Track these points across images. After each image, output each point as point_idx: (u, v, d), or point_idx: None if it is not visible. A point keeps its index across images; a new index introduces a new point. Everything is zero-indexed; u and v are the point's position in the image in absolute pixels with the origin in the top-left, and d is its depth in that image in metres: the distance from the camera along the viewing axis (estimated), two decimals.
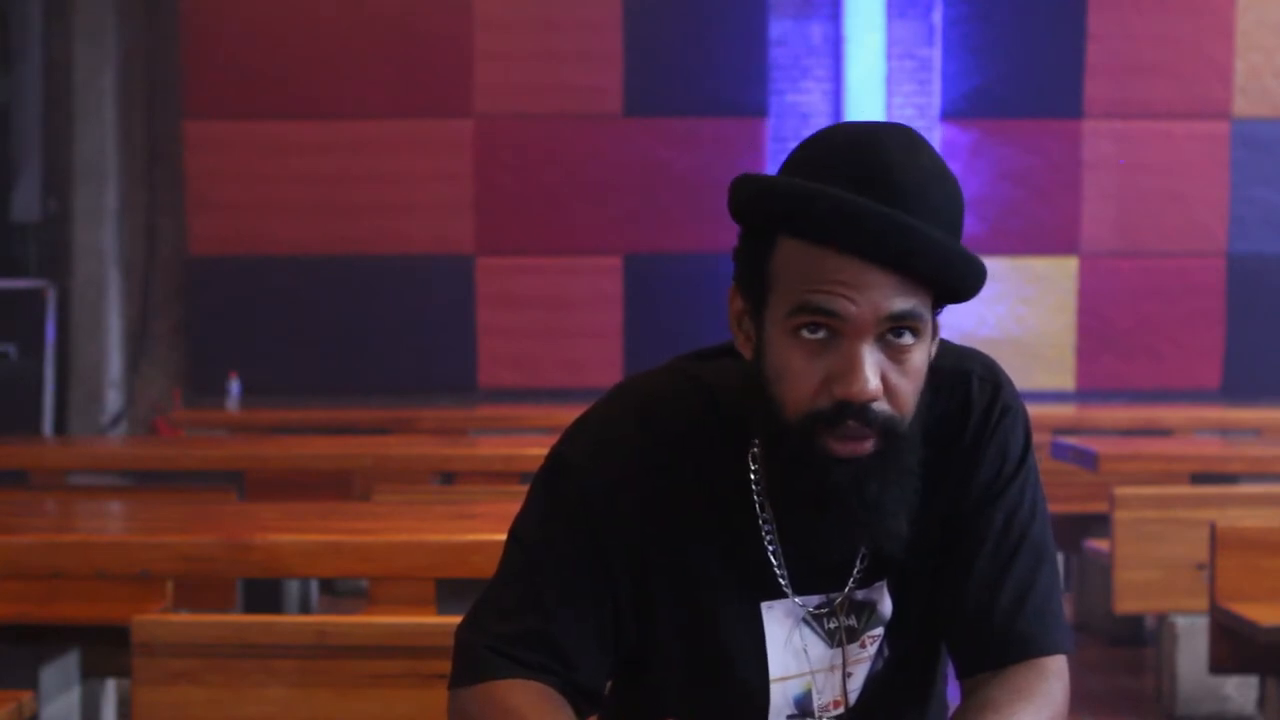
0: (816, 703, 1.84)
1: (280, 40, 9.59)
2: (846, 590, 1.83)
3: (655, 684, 1.85)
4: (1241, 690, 5.68)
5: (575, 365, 9.66)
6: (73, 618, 4.32)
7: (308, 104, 9.60)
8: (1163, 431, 7.95)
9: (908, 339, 1.68)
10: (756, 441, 1.78)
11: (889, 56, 9.77)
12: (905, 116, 9.57)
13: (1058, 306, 9.77)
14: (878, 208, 1.64)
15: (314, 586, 6.87)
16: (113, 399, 9.53)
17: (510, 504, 2.09)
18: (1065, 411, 8.60)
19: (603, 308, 9.69)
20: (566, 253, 9.71)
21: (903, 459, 1.70)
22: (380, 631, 2.74)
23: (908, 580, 1.85)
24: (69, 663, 4.30)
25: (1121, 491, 5.72)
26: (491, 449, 5.91)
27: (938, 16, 9.73)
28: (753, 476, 1.80)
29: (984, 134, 9.69)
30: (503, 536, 1.85)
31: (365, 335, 9.68)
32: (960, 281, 1.69)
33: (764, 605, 1.82)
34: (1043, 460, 6.19)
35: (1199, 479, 5.99)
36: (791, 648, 1.82)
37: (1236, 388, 9.75)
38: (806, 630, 1.83)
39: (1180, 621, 5.68)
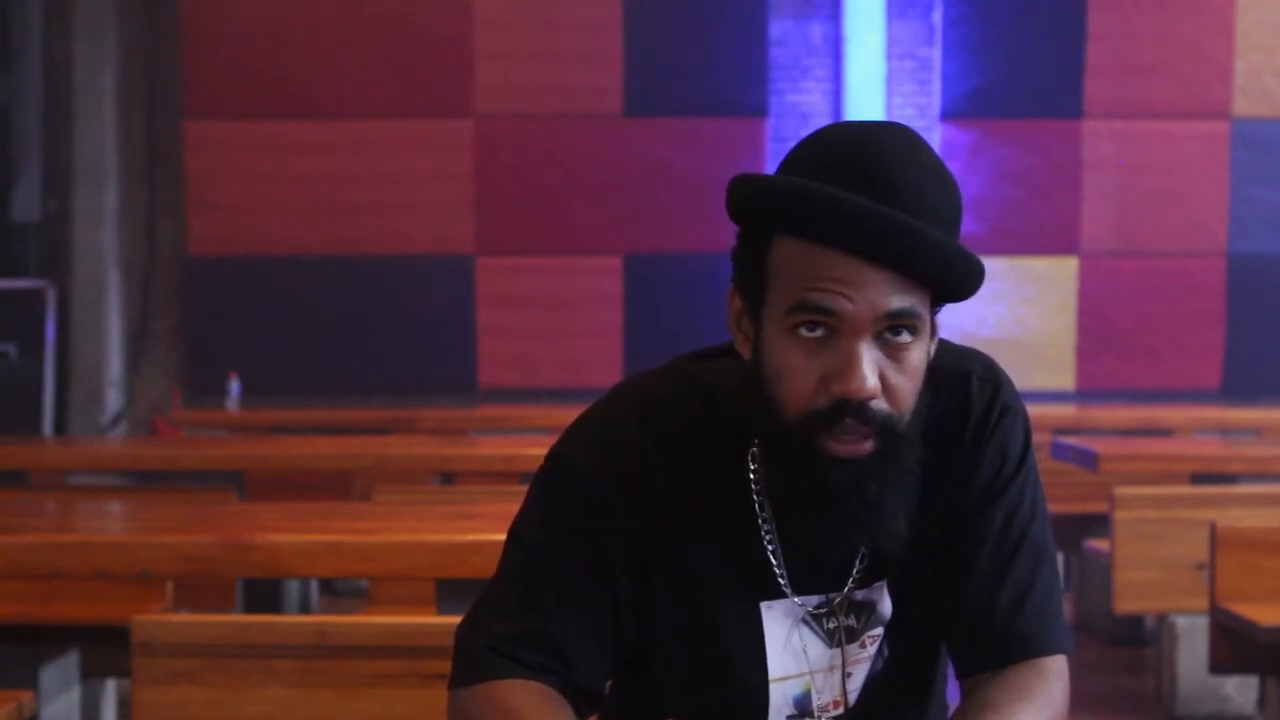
0: (816, 703, 1.84)
1: (280, 40, 9.59)
2: (846, 590, 1.83)
3: (655, 684, 1.85)
4: (1241, 690, 5.68)
5: (575, 365, 9.66)
6: (73, 618, 4.32)
7: (308, 104, 9.60)
8: (1163, 431, 7.95)
9: (906, 337, 1.68)
10: (756, 441, 1.78)
11: (889, 56, 9.78)
12: (905, 116, 9.57)
13: (1058, 306, 9.77)
14: (877, 207, 1.64)
15: (314, 586, 6.87)
16: (113, 399, 9.53)
17: (510, 504, 2.09)
18: (1065, 411, 8.60)
19: (603, 308, 9.69)
20: (566, 253, 9.71)
21: (902, 459, 1.70)
22: (380, 631, 2.74)
23: (907, 580, 1.85)
24: (69, 663, 4.30)
25: (1121, 491, 5.72)
26: (491, 449, 5.91)
27: (938, 16, 9.73)
28: (752, 476, 1.80)
29: (984, 134, 9.69)
30: (503, 536, 1.85)
31: (365, 335, 9.68)
32: (959, 281, 1.69)
33: (763, 605, 1.82)
34: (1043, 460, 6.19)
35: (1199, 479, 5.99)
36: (791, 648, 1.82)
37: (1236, 388, 9.75)
38: (806, 630, 1.83)
39: (1180, 621, 5.68)
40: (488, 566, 1.89)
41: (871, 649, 1.85)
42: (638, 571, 1.80)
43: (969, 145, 9.66)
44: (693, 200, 9.55)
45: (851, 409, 1.66)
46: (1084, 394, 9.72)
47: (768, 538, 1.81)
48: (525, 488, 1.87)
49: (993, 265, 9.42)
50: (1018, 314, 9.73)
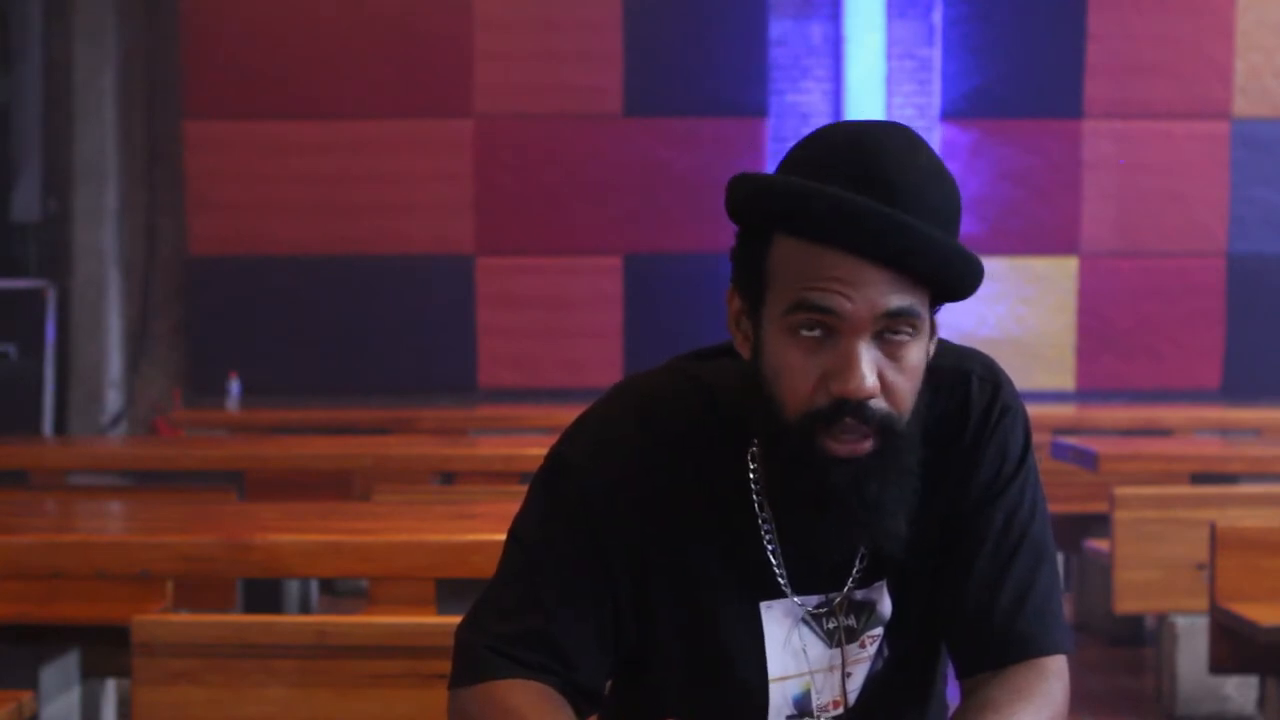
0: (815, 703, 1.84)
1: (280, 40, 9.59)
2: (846, 590, 1.83)
3: (655, 684, 1.85)
4: (1241, 690, 5.68)
5: (575, 365, 9.66)
6: (73, 618, 4.32)
7: (308, 104, 9.60)
8: (1163, 431, 7.95)
9: (905, 337, 1.68)
10: (756, 441, 1.78)
11: (889, 56, 9.78)
12: (905, 116, 9.58)
13: (1058, 306, 9.77)
14: (876, 207, 1.64)
15: (314, 586, 6.87)
16: (113, 399, 9.53)
17: (510, 504, 2.09)
18: (1065, 411, 8.60)
19: (603, 308, 9.69)
20: (566, 253, 9.71)
21: (901, 458, 1.70)
22: (380, 631, 2.74)
23: (907, 580, 1.85)
24: (69, 663, 4.30)
25: (1121, 491, 5.72)
26: (491, 449, 5.91)
27: (938, 16, 9.73)
28: (752, 476, 1.80)
29: (984, 134, 9.69)
30: (503, 536, 1.85)
31: (365, 335, 9.68)
32: (958, 280, 1.69)
33: (763, 605, 1.82)
34: (1043, 460, 6.19)
35: (1199, 479, 6.00)
36: (790, 648, 1.82)
37: (1236, 388, 9.75)
38: (805, 630, 1.83)
39: (1180, 621, 5.68)
40: (488, 566, 1.89)
41: (871, 649, 1.85)
42: (638, 571, 1.80)
43: (969, 145, 9.66)
44: (693, 200, 9.55)
45: (851, 408, 1.66)
46: (1084, 394, 9.72)
47: (767, 538, 1.81)
48: (525, 488, 1.87)
49: (993, 265, 9.42)
50: (1018, 314, 9.74)
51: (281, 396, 9.30)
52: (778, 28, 9.77)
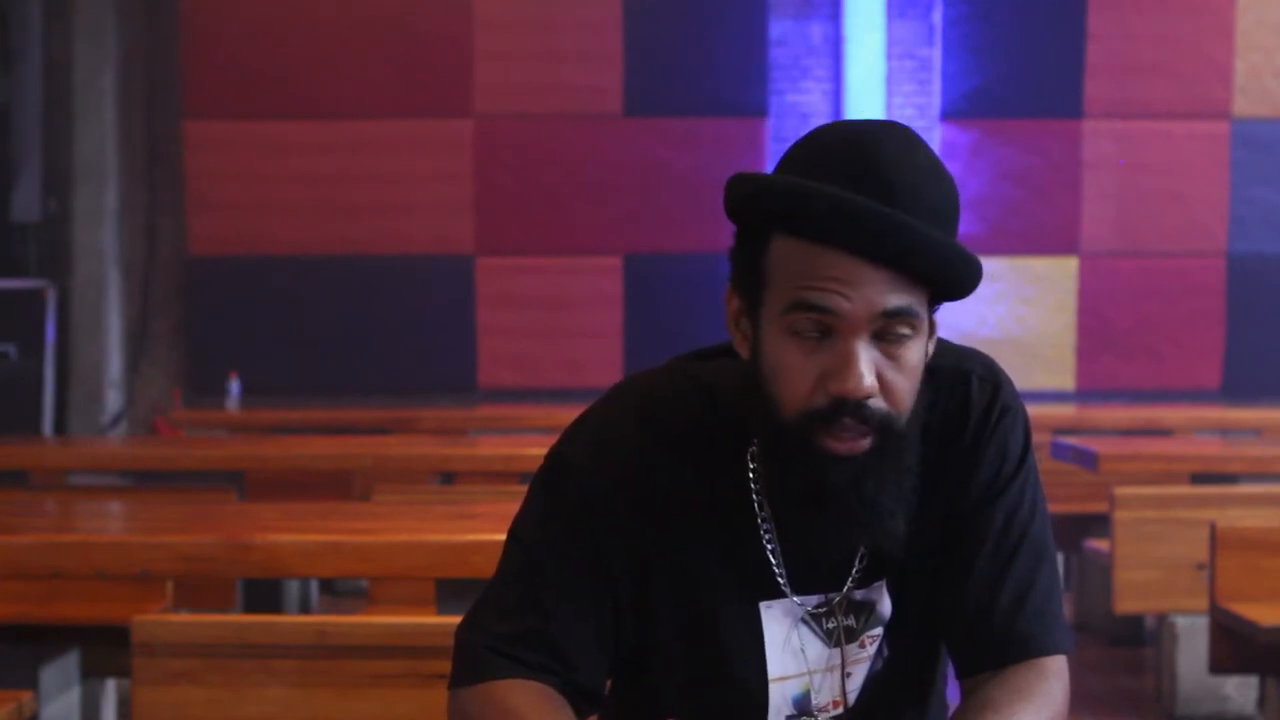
0: (815, 703, 1.84)
1: (280, 40, 9.59)
2: (845, 590, 1.83)
3: (655, 684, 1.85)
4: (1241, 690, 5.68)
5: (575, 365, 9.66)
6: (73, 618, 4.32)
7: (308, 104, 9.60)
8: (1163, 431, 7.95)
9: (903, 336, 1.68)
10: (756, 441, 1.78)
11: (889, 56, 9.78)
12: (905, 116, 9.57)
13: (1058, 306, 9.77)
14: (876, 206, 1.64)
15: (314, 586, 6.87)
16: (113, 399, 9.53)
17: (510, 504, 2.09)
18: (1065, 411, 8.60)
19: (603, 308, 9.69)
20: (566, 253, 9.71)
21: (900, 457, 1.70)
22: (380, 631, 2.74)
23: (907, 580, 1.85)
24: (69, 663, 4.30)
25: (1121, 491, 5.72)
26: (491, 449, 5.91)
27: (938, 16, 9.73)
28: (752, 476, 1.80)
29: (984, 134, 9.69)
30: (503, 536, 1.85)
31: (365, 335, 9.68)
32: (957, 280, 1.69)
33: (763, 605, 1.82)
34: (1043, 460, 6.19)
35: (1199, 479, 5.99)
36: (790, 648, 1.82)
37: (1236, 388, 9.75)
38: (805, 630, 1.83)
39: (1180, 621, 5.68)
40: (488, 566, 1.89)
41: (871, 649, 1.85)
42: (638, 571, 1.80)
43: (969, 145, 9.66)
44: (693, 200, 9.55)
45: (849, 408, 1.66)
46: (1084, 394, 9.72)
47: (767, 537, 1.81)
48: (525, 488, 1.87)
49: (993, 265, 9.43)
50: (1018, 314, 9.74)
51: (281, 396, 9.30)
52: (778, 28, 9.78)
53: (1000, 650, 1.81)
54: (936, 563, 1.84)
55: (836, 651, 1.84)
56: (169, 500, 4.62)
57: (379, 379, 9.64)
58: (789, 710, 1.83)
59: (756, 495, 1.80)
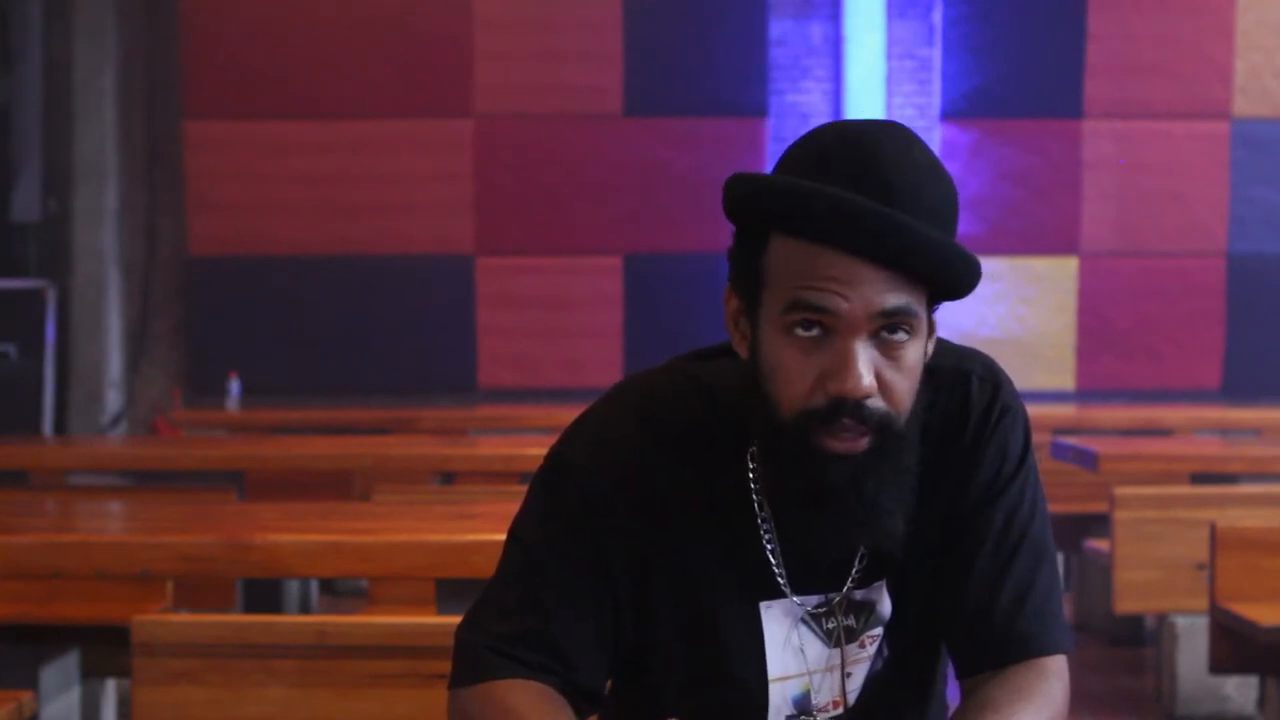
0: (815, 703, 1.84)
1: (280, 40, 9.59)
2: (845, 590, 1.83)
3: (655, 684, 1.85)
4: (1241, 690, 5.68)
5: (575, 365, 9.66)
6: (73, 618, 4.32)
7: (308, 104, 9.60)
8: (1163, 431, 7.95)
9: (902, 335, 1.68)
10: (756, 441, 1.78)
11: (889, 56, 9.78)
12: (905, 116, 9.58)
13: (1058, 306, 9.77)
14: (875, 207, 1.64)
15: (314, 586, 6.87)
16: (113, 399, 9.53)
17: (510, 504, 2.09)
18: (1065, 411, 8.60)
19: (603, 308, 9.70)
20: (566, 253, 9.71)
21: (899, 457, 1.70)
22: (380, 631, 2.74)
23: (907, 580, 1.85)
24: (69, 663, 4.30)
25: (1121, 491, 5.72)
26: (491, 449, 5.91)
27: (938, 16, 9.73)
28: (752, 476, 1.80)
29: (984, 134, 9.69)
30: (503, 536, 1.85)
31: (365, 335, 9.68)
32: (956, 280, 1.69)
33: (763, 605, 1.82)
34: (1043, 460, 6.19)
35: (1199, 479, 5.99)
36: (790, 648, 1.82)
37: (1236, 388, 9.75)
38: (804, 630, 1.83)
39: (1180, 621, 5.68)
40: (488, 566, 1.89)
41: (871, 649, 1.85)
42: (638, 571, 1.80)
43: (969, 145, 9.66)
44: (693, 200, 9.55)
45: (848, 408, 1.66)
46: (1084, 394, 9.72)
47: (767, 537, 1.81)
48: (525, 488, 1.87)
49: (993, 265, 9.43)
50: (1018, 314, 9.74)
51: (281, 396, 9.30)
52: (778, 28, 9.78)
53: (1000, 650, 1.81)
54: (936, 563, 1.84)
55: (836, 651, 1.84)
56: (169, 500, 4.62)
57: (379, 379, 9.64)
58: (789, 710, 1.83)
59: (756, 495, 1.80)
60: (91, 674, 4.47)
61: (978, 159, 9.66)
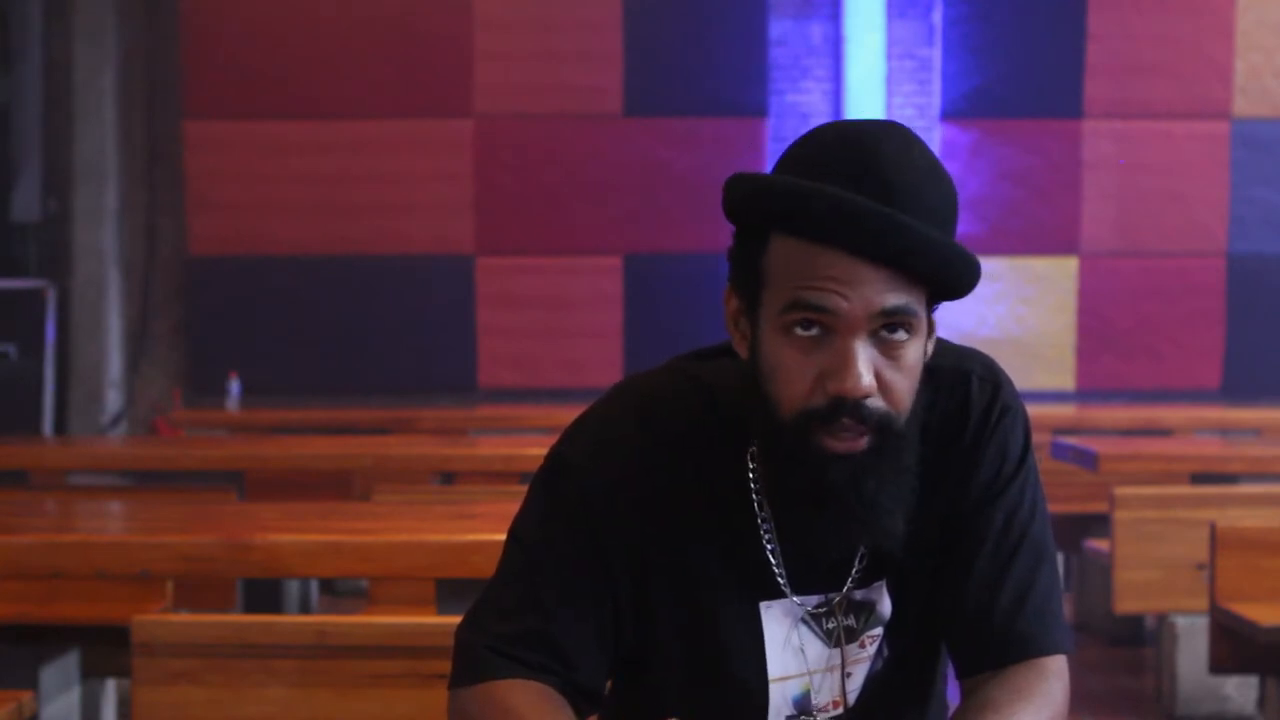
0: (815, 703, 1.84)
1: (280, 40, 9.59)
2: (845, 590, 1.83)
3: (655, 684, 1.85)
4: (1241, 690, 5.68)
5: (575, 365, 9.66)
6: (73, 618, 4.32)
7: (308, 104, 9.60)
8: (1163, 431, 7.95)
9: (901, 335, 1.68)
10: (756, 441, 1.78)
11: (889, 56, 9.78)
12: (905, 116, 9.58)
13: (1058, 306, 9.77)
14: (875, 206, 1.64)
15: (314, 586, 6.87)
16: (113, 399, 9.53)
17: (510, 504, 2.09)
18: (1065, 411, 8.60)
19: (603, 308, 9.70)
20: (566, 253, 9.71)
21: (899, 457, 1.70)
22: (380, 631, 2.74)
23: (907, 580, 1.85)
24: (69, 663, 4.30)
25: (1121, 491, 5.72)
26: (491, 449, 5.91)
27: (938, 16, 9.73)
28: (751, 476, 1.80)
29: (984, 134, 9.69)
30: (503, 536, 1.85)
31: (365, 335, 9.68)
32: (956, 280, 1.69)
33: (763, 605, 1.82)
34: (1043, 460, 6.19)
35: (1199, 479, 5.99)
36: (790, 648, 1.82)
37: (1236, 388, 9.75)
38: (804, 630, 1.82)
39: (1180, 621, 5.68)
40: (488, 566, 1.89)
41: (871, 649, 1.85)
42: (638, 571, 1.80)
43: (969, 145, 9.66)
44: (693, 200, 9.55)
45: (848, 408, 1.66)
46: (1084, 394, 9.72)
47: (767, 537, 1.81)
48: (525, 488, 1.87)
49: (993, 265, 9.43)
50: (1018, 314, 9.74)
51: (281, 396, 9.30)
52: (778, 28, 9.78)
53: (1000, 650, 1.81)
54: (936, 563, 1.84)
55: (836, 651, 1.84)
56: (169, 500, 4.62)
57: (379, 379, 9.64)
58: (789, 710, 1.83)
59: (756, 495, 1.80)
60: (91, 674, 4.47)
61: (978, 159, 9.66)
